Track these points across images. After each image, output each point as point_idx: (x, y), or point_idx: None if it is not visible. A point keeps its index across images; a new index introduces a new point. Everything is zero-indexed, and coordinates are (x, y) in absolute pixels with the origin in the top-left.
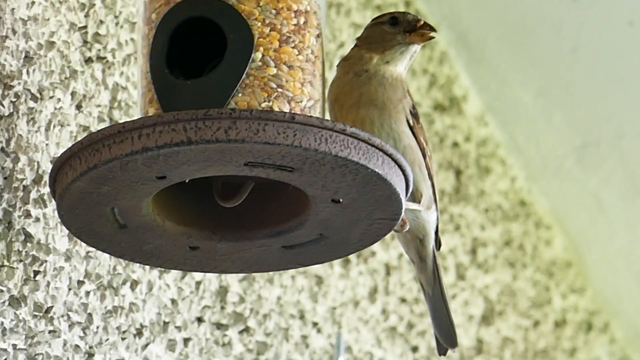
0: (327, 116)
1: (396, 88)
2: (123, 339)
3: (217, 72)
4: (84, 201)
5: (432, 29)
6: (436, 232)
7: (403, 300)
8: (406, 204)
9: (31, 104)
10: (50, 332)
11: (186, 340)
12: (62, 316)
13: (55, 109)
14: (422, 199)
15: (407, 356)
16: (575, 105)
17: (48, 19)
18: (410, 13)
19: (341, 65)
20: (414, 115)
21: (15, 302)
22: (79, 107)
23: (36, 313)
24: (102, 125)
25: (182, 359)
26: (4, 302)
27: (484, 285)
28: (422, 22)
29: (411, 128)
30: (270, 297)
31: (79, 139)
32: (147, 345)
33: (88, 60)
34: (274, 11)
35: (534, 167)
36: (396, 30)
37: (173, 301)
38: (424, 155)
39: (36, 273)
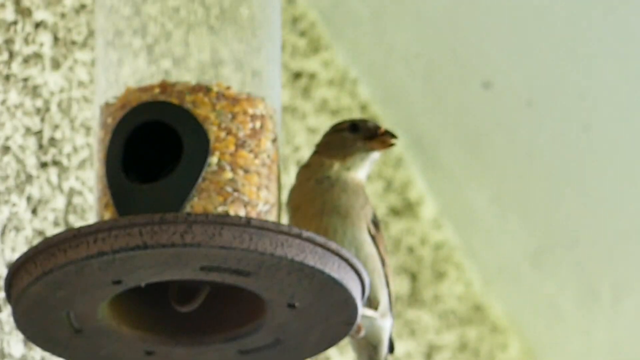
0: (285, 221)
1: (358, 195)
2: None
3: (173, 176)
4: (39, 306)
5: (393, 136)
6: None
7: None
8: (363, 311)
9: None
10: None
11: None
12: None
13: (11, 213)
14: (379, 307)
15: None
16: (530, 211)
17: (4, 124)
18: (369, 120)
19: (301, 172)
20: (375, 224)
21: None
22: (34, 211)
23: None
24: (58, 230)
25: None
26: None
27: None
28: (382, 130)
29: (372, 237)
30: None
31: (34, 243)
32: None
33: (43, 165)
34: (230, 115)
35: (489, 271)
36: (356, 136)
37: None
38: (383, 264)
39: None
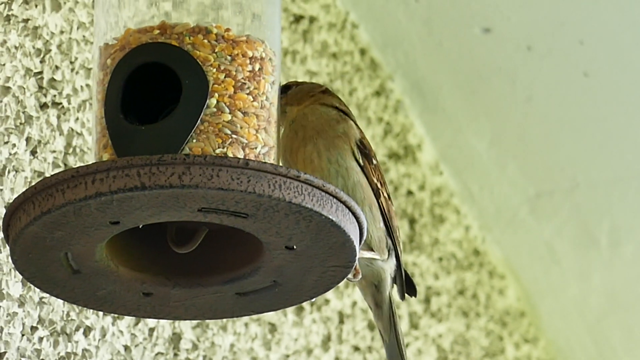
0: (282, 163)
1: (330, 117)
2: None
3: (172, 117)
4: (37, 246)
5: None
6: (407, 278)
7: (356, 348)
8: (361, 253)
9: None
10: None
11: None
12: None
13: (10, 154)
14: (372, 241)
15: None
16: (529, 155)
17: (4, 65)
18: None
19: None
20: (365, 155)
21: None
22: (33, 152)
23: None
24: (57, 171)
25: None
26: None
27: (437, 334)
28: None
29: (362, 167)
30: (223, 345)
31: (33, 184)
32: None
33: (43, 106)
34: (229, 57)
35: (488, 216)
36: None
37: (126, 348)
38: (378, 196)
39: None
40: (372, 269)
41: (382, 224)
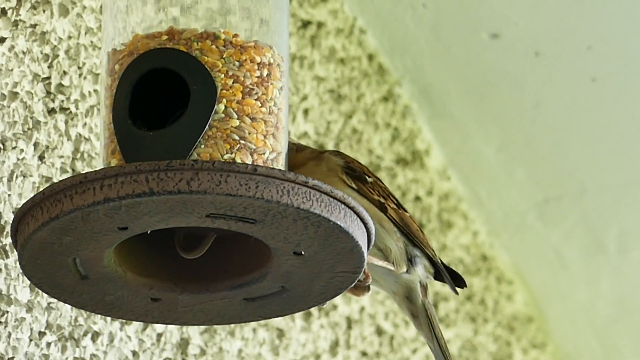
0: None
1: (314, 166)
2: None
3: (180, 123)
4: (45, 252)
5: None
6: (450, 271)
7: (364, 354)
8: (373, 260)
9: None
10: None
11: None
12: None
13: (18, 159)
14: (391, 255)
15: None
16: (537, 161)
17: (12, 70)
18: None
19: None
20: (356, 177)
21: None
22: (41, 158)
23: None
24: (65, 177)
25: None
26: None
27: (445, 340)
28: None
29: (358, 191)
30: (231, 350)
31: (41, 190)
32: None
33: (51, 111)
34: (237, 63)
35: (496, 221)
36: None
37: (134, 353)
38: (384, 210)
39: None
40: (400, 283)
41: (399, 234)
